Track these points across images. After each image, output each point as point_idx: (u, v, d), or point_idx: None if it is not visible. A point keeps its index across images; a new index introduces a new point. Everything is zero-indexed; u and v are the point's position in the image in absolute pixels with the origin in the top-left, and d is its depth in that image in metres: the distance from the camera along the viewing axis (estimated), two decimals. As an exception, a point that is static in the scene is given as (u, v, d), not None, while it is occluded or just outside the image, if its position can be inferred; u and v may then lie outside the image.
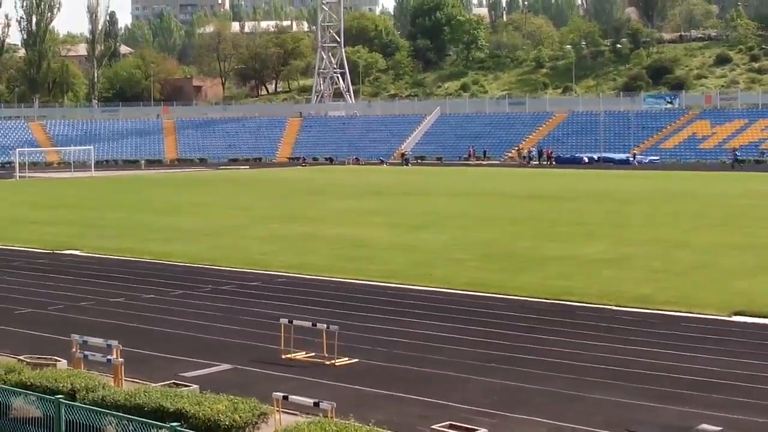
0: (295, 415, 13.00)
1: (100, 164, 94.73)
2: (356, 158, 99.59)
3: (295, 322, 17.32)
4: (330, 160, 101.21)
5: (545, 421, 13.35)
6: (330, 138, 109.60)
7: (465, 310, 21.17)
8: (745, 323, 19.70)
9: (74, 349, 15.41)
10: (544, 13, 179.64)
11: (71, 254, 31.15)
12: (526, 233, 34.72)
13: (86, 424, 11.36)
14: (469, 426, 12.69)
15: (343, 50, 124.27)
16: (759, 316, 20.09)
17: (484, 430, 12.62)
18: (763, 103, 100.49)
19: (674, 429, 13.07)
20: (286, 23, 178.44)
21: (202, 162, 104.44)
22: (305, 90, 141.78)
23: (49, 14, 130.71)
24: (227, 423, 11.54)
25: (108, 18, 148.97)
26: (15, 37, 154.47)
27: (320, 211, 45.05)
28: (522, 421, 13.41)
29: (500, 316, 20.48)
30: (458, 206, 46.77)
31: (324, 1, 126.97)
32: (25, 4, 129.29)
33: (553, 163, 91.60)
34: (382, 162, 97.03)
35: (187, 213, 44.92)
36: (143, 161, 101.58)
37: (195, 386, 13.85)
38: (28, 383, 12.96)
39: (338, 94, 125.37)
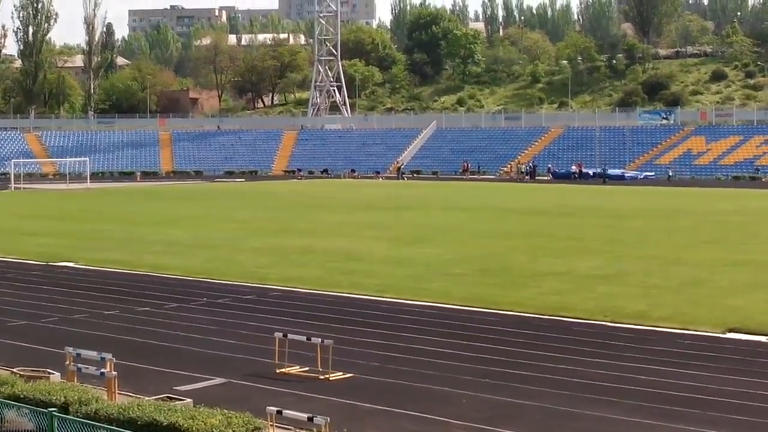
0: (289, 429, 12.99)
1: (96, 176, 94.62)
2: (352, 170, 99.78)
3: (289, 336, 17.27)
4: (325, 171, 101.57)
5: (540, 438, 13.33)
6: (326, 151, 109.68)
7: (460, 324, 21.14)
8: (739, 340, 19.70)
9: (68, 362, 15.36)
10: (540, 28, 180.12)
11: (66, 266, 31.09)
12: (521, 248, 34.71)
13: (79, 438, 11.31)
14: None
15: (339, 63, 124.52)
16: (753, 333, 20.09)
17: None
18: (758, 119, 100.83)
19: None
20: (282, 36, 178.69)
21: (198, 174, 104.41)
22: (302, 103, 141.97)
23: (46, 25, 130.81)
24: (221, 437, 11.52)
25: (105, 29, 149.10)
26: (11, 47, 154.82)
27: (315, 224, 45.03)
28: (516, 437, 13.38)
29: (495, 332, 20.45)
30: (454, 220, 46.77)
31: (321, 15, 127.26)
32: (21, 15, 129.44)
33: (528, 178, 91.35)
34: (377, 174, 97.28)
35: (182, 225, 44.87)
36: (139, 173, 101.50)
37: (189, 400, 13.81)
38: (21, 396, 12.91)
39: (334, 108, 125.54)
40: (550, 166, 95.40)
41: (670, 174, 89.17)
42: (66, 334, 20.10)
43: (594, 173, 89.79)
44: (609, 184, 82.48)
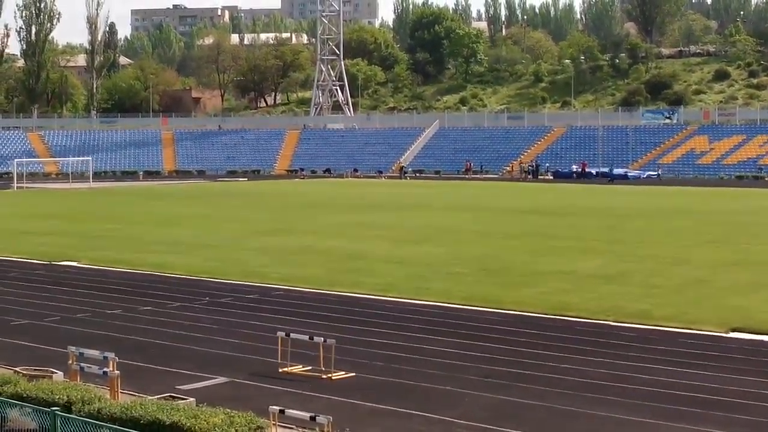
0: (292, 429, 12.99)
1: (99, 175, 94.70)
2: (354, 169, 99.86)
3: (292, 335, 17.28)
4: (328, 171, 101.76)
5: (542, 437, 13.31)
6: (328, 151, 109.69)
7: (462, 324, 21.14)
8: (742, 339, 19.69)
9: (71, 361, 15.37)
10: (543, 27, 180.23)
11: (68, 265, 31.10)
12: (523, 248, 34.71)
13: (82, 437, 11.32)
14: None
15: (342, 63, 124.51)
16: (756, 333, 20.08)
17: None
18: (761, 118, 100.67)
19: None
20: (285, 36, 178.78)
21: (201, 174, 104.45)
22: (304, 102, 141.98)
23: (49, 25, 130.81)
24: (223, 437, 11.51)
25: (107, 29, 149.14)
26: (14, 47, 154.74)
27: (317, 223, 45.03)
28: (519, 436, 13.37)
29: (498, 331, 20.45)
30: (456, 220, 46.76)
31: (323, 14, 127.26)
32: (24, 15, 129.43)
33: (530, 177, 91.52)
34: (380, 173, 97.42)
35: (184, 225, 44.89)
36: (141, 172, 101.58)
37: (191, 399, 13.82)
38: (24, 395, 12.92)
39: (337, 107, 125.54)
40: (548, 165, 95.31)
41: (659, 173, 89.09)
42: (69, 333, 20.12)
43: (597, 172, 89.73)
44: (615, 183, 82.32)
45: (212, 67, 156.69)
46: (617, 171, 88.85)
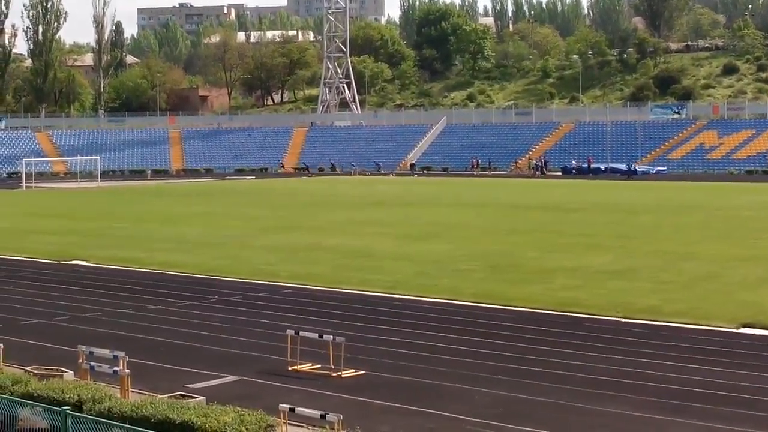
0: (302, 427, 12.99)
1: (107, 174, 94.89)
2: (351, 164, 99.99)
3: (301, 333, 17.28)
4: (318, 168, 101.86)
5: (553, 434, 13.28)
6: (336, 148, 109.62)
7: (471, 321, 21.12)
8: (753, 335, 19.62)
9: (81, 360, 15.39)
10: (550, 22, 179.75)
11: (77, 265, 31.16)
12: (531, 244, 34.65)
13: (93, 436, 11.33)
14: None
15: (348, 60, 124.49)
16: (767, 328, 20.01)
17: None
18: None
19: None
20: (291, 33, 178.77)
21: (208, 172, 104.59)
22: (311, 100, 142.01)
23: (56, 24, 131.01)
24: (234, 435, 11.52)
25: (114, 28, 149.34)
26: (22, 47, 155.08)
27: (325, 221, 45.02)
28: (529, 433, 13.35)
29: (507, 328, 20.42)
30: (463, 217, 46.71)
31: (330, 11, 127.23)
32: (31, 14, 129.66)
33: (538, 173, 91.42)
34: (377, 167, 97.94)
35: (193, 223, 44.93)
36: (149, 171, 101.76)
37: (202, 398, 13.83)
38: (35, 394, 12.95)
39: (344, 104, 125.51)
40: (539, 161, 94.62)
41: (636, 168, 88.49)
42: (78, 332, 20.15)
43: (606, 168, 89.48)
44: (634, 179, 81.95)
45: (219, 65, 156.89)
46: (620, 166, 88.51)
